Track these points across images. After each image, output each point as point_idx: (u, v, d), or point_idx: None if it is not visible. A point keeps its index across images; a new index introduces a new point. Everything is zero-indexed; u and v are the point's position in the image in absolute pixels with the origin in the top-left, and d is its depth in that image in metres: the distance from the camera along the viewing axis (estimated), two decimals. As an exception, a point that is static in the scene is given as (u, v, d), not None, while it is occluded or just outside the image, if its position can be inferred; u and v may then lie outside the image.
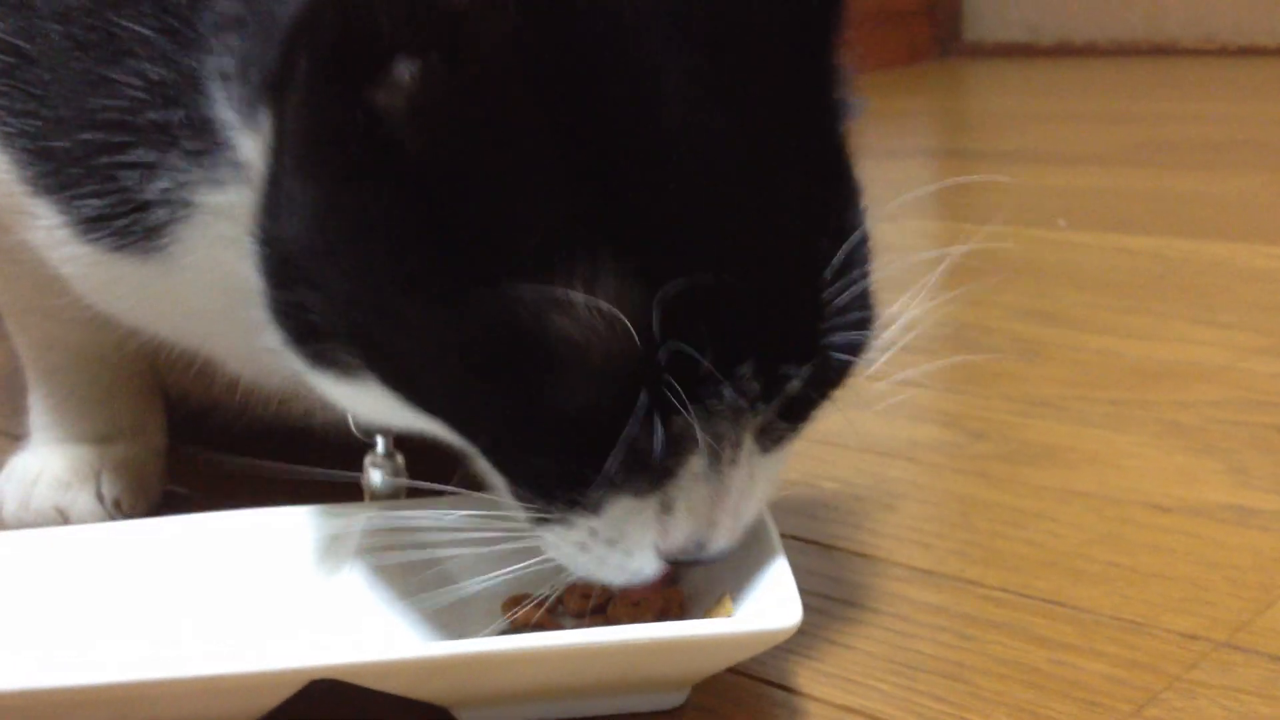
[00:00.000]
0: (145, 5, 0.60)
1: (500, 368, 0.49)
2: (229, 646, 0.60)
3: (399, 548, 0.63)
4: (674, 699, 0.56)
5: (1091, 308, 1.15)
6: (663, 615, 0.59)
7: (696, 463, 0.51)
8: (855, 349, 0.53)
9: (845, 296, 0.51)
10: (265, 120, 0.55)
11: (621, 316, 0.47)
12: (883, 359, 0.58)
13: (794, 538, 0.72)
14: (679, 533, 0.52)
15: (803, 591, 0.65)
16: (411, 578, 0.62)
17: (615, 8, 0.48)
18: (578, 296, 0.47)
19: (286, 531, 0.66)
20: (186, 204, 0.61)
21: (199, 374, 0.77)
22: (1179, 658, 0.59)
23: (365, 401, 0.55)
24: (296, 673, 0.52)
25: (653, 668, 0.54)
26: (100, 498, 0.78)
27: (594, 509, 0.51)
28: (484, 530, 0.56)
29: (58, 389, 0.81)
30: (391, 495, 0.69)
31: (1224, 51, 3.11)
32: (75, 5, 0.62)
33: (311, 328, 0.54)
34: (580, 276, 0.47)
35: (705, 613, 0.58)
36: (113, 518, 0.78)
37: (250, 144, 0.57)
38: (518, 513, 0.54)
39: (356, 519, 0.65)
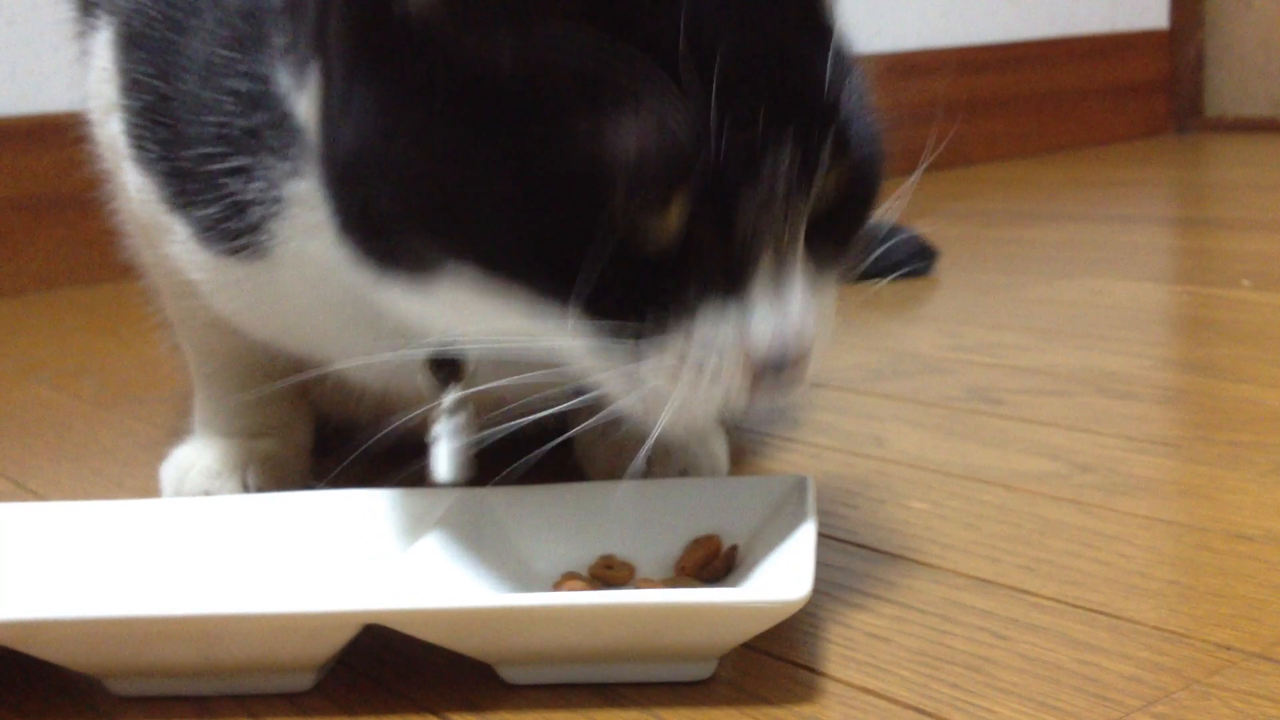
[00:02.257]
0: (226, 31, 0.70)
1: (572, 199, 0.55)
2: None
3: (475, 525, 0.68)
4: (701, 671, 0.60)
5: (1243, 359, 1.13)
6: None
7: (766, 264, 0.57)
8: (867, 141, 0.61)
9: (846, 87, 0.58)
10: (314, 70, 0.64)
11: (672, 105, 0.54)
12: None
13: (865, 546, 0.75)
14: (763, 333, 0.58)
15: (852, 590, 0.68)
16: (481, 552, 0.67)
17: None
18: (627, 95, 0.54)
19: (371, 510, 0.72)
20: (277, 199, 0.70)
21: (333, 389, 0.85)
22: (1206, 665, 0.60)
23: (437, 307, 0.61)
24: (351, 615, 0.58)
25: (667, 632, 0.58)
26: (245, 486, 0.86)
27: (683, 330, 0.57)
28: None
29: (215, 390, 0.90)
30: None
31: None
32: (193, 46, 0.72)
33: (384, 228, 0.60)
34: (625, 81, 0.54)
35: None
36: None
37: (305, 101, 0.65)
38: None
39: (439, 502, 0.71)
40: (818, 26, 0.60)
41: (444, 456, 0.70)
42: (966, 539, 0.76)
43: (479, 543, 0.67)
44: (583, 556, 0.69)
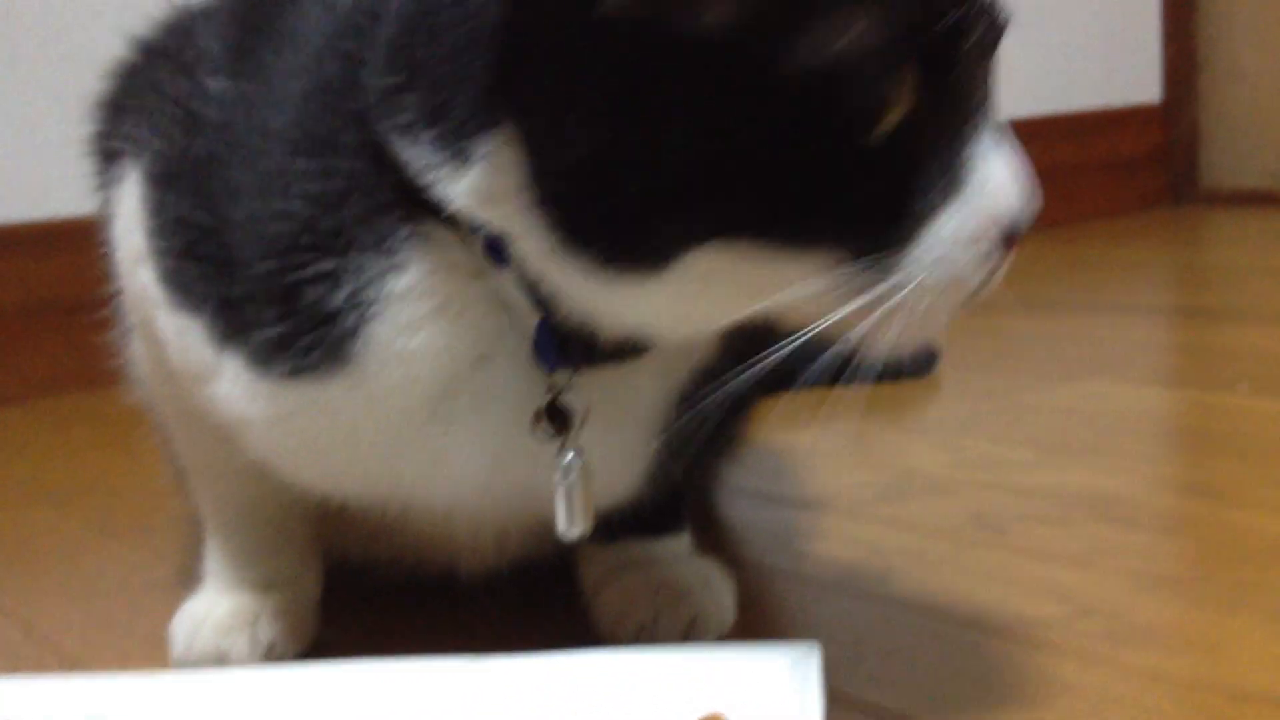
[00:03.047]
0: (289, 145, 0.71)
1: (816, 129, 0.61)
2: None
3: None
4: None
5: (1246, 480, 1.14)
6: None
7: (986, 127, 0.65)
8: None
9: None
10: (495, 139, 0.65)
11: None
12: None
13: (876, 706, 0.76)
14: (1012, 193, 0.66)
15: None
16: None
17: None
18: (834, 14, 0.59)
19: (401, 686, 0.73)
20: (372, 301, 0.69)
21: (369, 534, 0.86)
22: None
23: (668, 298, 0.65)
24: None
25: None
26: (256, 641, 0.87)
27: (950, 203, 0.64)
28: None
29: (228, 541, 0.90)
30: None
31: None
32: (245, 181, 0.72)
33: (630, 220, 0.63)
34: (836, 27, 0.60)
35: None
36: (266, 660, 0.86)
37: (469, 179, 0.66)
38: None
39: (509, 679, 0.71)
40: None
41: (566, 510, 0.73)
42: (973, 699, 0.77)
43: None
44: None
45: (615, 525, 0.83)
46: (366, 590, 0.93)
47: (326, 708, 0.72)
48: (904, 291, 0.64)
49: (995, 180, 0.65)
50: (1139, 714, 0.74)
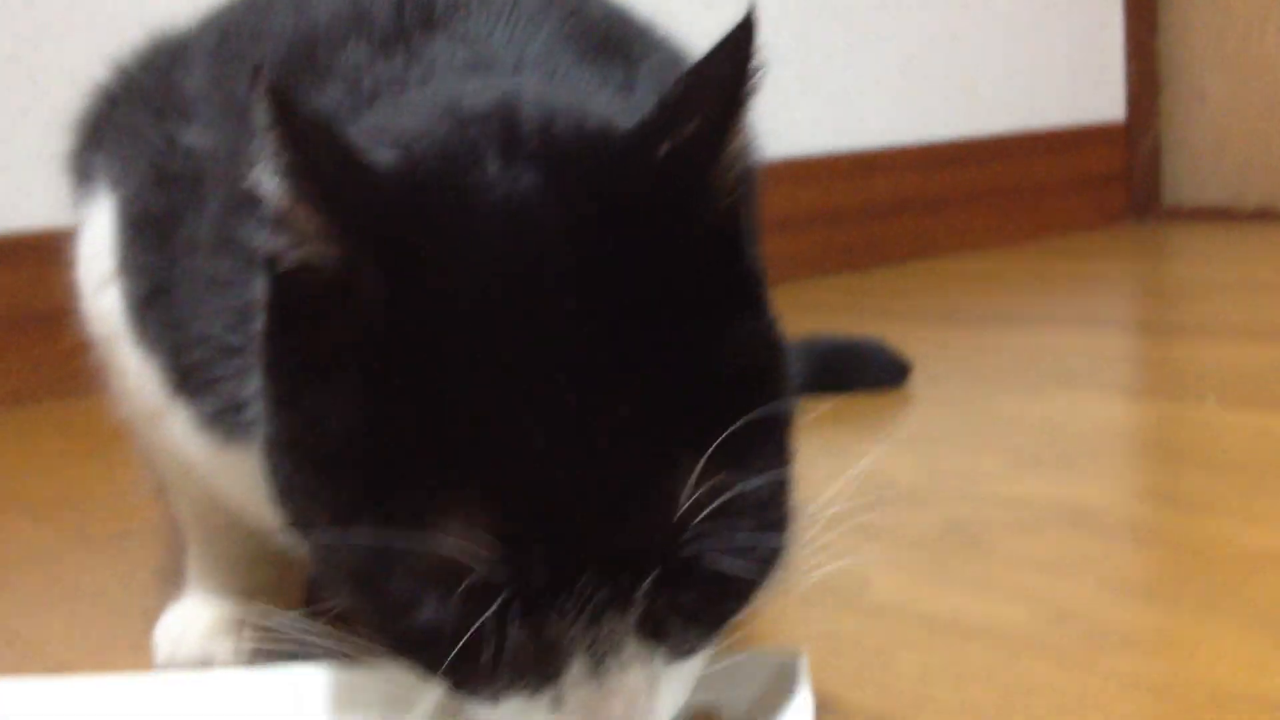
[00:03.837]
0: (231, 245, 0.72)
1: (378, 586, 0.56)
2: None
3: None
4: None
5: (1216, 490, 1.16)
6: None
7: (577, 666, 0.56)
8: (735, 560, 0.57)
9: (718, 509, 0.55)
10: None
11: (468, 543, 0.53)
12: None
13: (860, 711, 0.77)
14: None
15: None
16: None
17: (472, 264, 0.56)
18: (426, 531, 0.54)
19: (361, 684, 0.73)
20: None
21: None
22: None
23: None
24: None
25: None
26: (240, 648, 0.87)
27: (492, 700, 0.57)
28: None
29: (208, 551, 0.91)
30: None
31: None
32: (195, 245, 0.75)
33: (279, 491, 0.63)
34: (433, 507, 0.54)
35: None
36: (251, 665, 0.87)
37: None
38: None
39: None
40: (672, 462, 0.55)
41: None
42: (955, 703, 0.78)
43: None
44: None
45: None
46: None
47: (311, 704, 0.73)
48: None
49: (580, 706, 0.57)
50: (1120, 717, 0.75)
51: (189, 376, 0.76)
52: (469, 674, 0.57)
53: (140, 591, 1.08)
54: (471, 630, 0.54)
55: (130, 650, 0.94)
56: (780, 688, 0.69)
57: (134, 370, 0.81)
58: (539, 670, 0.57)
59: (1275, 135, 3.29)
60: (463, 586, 0.54)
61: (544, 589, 0.54)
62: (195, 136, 0.77)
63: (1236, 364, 1.71)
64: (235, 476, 0.77)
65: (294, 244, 0.57)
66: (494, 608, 0.54)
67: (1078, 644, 0.85)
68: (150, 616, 0.97)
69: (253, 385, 0.71)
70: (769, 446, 0.59)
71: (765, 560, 0.59)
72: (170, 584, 1.05)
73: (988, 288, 2.47)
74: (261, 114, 0.54)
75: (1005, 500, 1.16)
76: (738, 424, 0.56)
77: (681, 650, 0.59)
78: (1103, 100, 3.25)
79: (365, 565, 0.56)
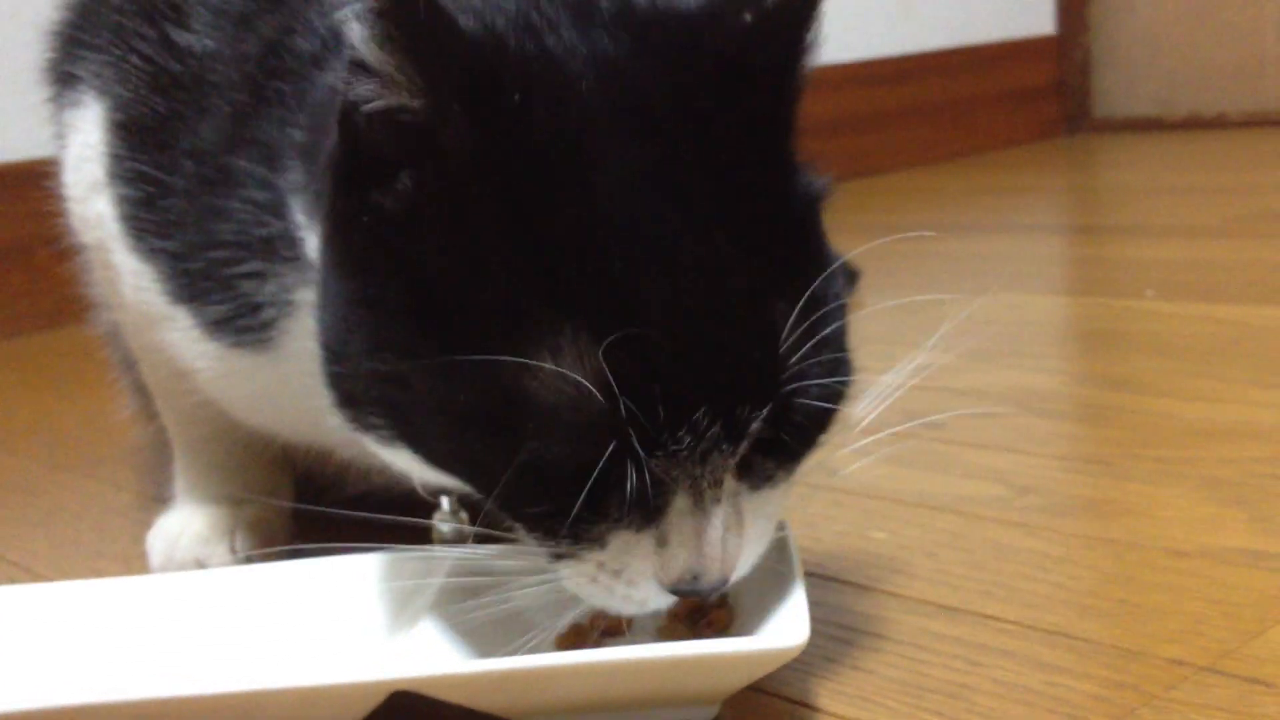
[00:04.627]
0: (250, 146, 0.73)
1: (491, 427, 0.58)
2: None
3: (468, 589, 0.73)
4: (704, 714, 0.65)
5: (1160, 373, 1.20)
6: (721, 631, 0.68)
7: (680, 501, 0.59)
8: (828, 398, 0.61)
9: (805, 348, 0.59)
10: (319, 222, 0.67)
11: (582, 380, 0.56)
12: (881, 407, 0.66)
13: (836, 579, 0.80)
14: (674, 565, 0.60)
15: (833, 625, 0.73)
16: (480, 616, 0.71)
17: (563, 113, 0.58)
18: (545, 365, 0.56)
19: (365, 575, 0.76)
20: (288, 302, 0.74)
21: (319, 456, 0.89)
22: (1162, 680, 0.65)
23: (402, 460, 0.65)
24: (380, 684, 0.62)
25: (676, 682, 0.62)
26: (234, 551, 0.90)
27: (599, 543, 0.60)
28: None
29: (198, 459, 0.93)
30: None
31: (1356, 119, 3.10)
32: (204, 147, 0.75)
33: (352, 399, 0.64)
34: (546, 346, 0.56)
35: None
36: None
37: (313, 241, 0.69)
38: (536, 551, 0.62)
39: (431, 564, 0.75)
40: (790, 307, 0.59)
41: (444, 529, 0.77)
42: (928, 568, 0.82)
43: (475, 603, 0.72)
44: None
45: None
46: (336, 502, 0.96)
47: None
48: (553, 582, 0.63)
49: (682, 542, 0.60)
50: (1084, 572, 0.79)
51: (196, 281, 0.76)
52: (579, 514, 0.59)
53: (121, 512, 1.10)
54: (600, 465, 0.56)
55: (117, 562, 0.97)
56: (770, 554, 0.72)
57: (130, 277, 0.81)
58: (647, 507, 0.59)
59: (1203, 45, 3.35)
60: (585, 422, 0.56)
61: (662, 425, 0.57)
62: (193, 39, 0.78)
63: (1171, 260, 1.75)
64: (241, 380, 0.78)
65: (378, 92, 0.59)
66: (614, 444, 0.56)
67: (1040, 513, 0.89)
68: (135, 534, 0.99)
69: (272, 285, 0.73)
70: (835, 293, 0.63)
71: (841, 395, 0.63)
72: (151, 504, 1.07)
73: (927, 201, 2.51)
74: None
75: (961, 391, 1.19)
76: (823, 274, 0.61)
77: (765, 482, 0.63)
78: (1034, 14, 3.28)
79: (479, 407, 0.58)
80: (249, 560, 0.89)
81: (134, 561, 0.96)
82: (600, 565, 0.61)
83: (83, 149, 0.84)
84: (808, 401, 0.60)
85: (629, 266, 0.57)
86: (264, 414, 0.83)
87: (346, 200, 0.62)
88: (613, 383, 0.56)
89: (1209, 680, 0.65)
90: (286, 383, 0.77)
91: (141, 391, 1.00)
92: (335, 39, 0.73)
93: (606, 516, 0.59)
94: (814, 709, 0.66)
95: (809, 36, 0.63)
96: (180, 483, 0.94)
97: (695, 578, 0.60)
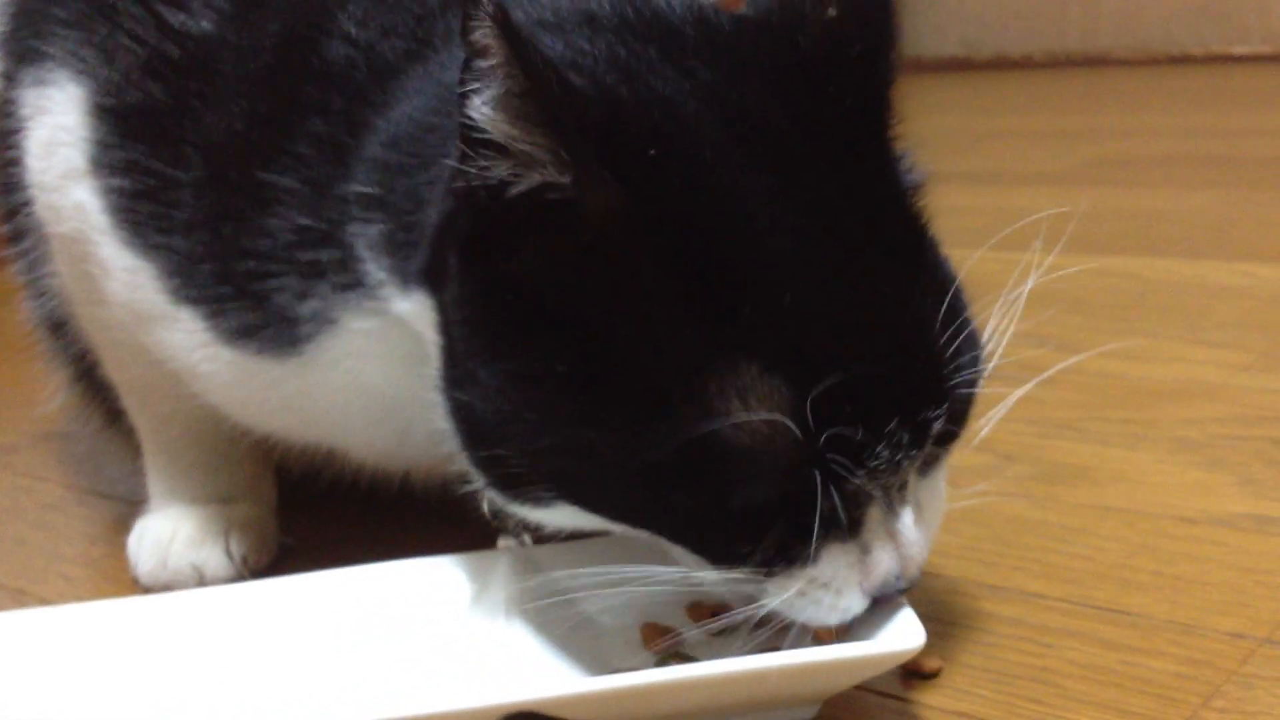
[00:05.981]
0: (287, 160, 0.69)
1: (688, 480, 0.57)
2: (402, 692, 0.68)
3: (534, 585, 0.72)
4: (808, 713, 0.65)
5: (1085, 330, 1.25)
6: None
7: (876, 512, 0.60)
8: (974, 382, 0.63)
9: (957, 340, 0.60)
10: (423, 298, 0.65)
11: (784, 419, 0.55)
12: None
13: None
14: (879, 569, 0.61)
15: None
16: (547, 613, 0.70)
17: (694, 155, 0.57)
18: (740, 412, 0.55)
19: (422, 581, 0.74)
20: (333, 321, 0.70)
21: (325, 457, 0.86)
22: (1230, 654, 0.68)
23: (560, 519, 0.64)
24: (498, 708, 0.60)
25: (798, 687, 0.62)
26: (229, 554, 0.86)
27: (812, 560, 0.60)
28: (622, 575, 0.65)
29: (179, 458, 0.88)
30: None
31: (1155, 61, 3.25)
32: (219, 144, 0.71)
33: (510, 475, 0.62)
34: (735, 392, 0.56)
35: None
36: (241, 573, 0.85)
37: (406, 306, 0.67)
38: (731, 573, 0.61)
39: (496, 565, 0.73)
40: (938, 290, 0.61)
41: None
42: (951, 543, 0.83)
43: (543, 605, 0.70)
44: (642, 605, 0.72)
45: None
46: (321, 496, 0.92)
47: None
48: (751, 611, 0.62)
49: (881, 545, 0.61)
50: (1105, 543, 0.82)
51: (210, 284, 0.72)
52: (786, 543, 0.59)
53: (56, 506, 1.05)
54: (817, 493, 0.56)
55: (86, 566, 0.92)
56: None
57: (122, 274, 0.76)
58: (848, 522, 0.59)
59: (1009, -14, 3.46)
60: (786, 459, 0.56)
61: (861, 445, 0.56)
62: (188, 19, 0.73)
63: (1036, 209, 1.81)
64: (258, 387, 0.75)
65: (518, 172, 0.56)
66: (818, 475, 0.56)
67: (1035, 482, 0.91)
68: (87, 532, 0.95)
69: (315, 303, 0.70)
70: (953, 272, 0.65)
71: (980, 376, 0.64)
72: (86, 496, 1.02)
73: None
74: (485, 39, 0.54)
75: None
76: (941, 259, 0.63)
77: (932, 467, 0.64)
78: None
79: (674, 463, 0.57)
80: (245, 563, 0.86)
81: (103, 564, 0.92)
82: (811, 580, 0.61)
83: (55, 132, 0.78)
84: (967, 390, 0.62)
85: (800, 295, 0.57)
86: (278, 419, 0.79)
87: (475, 276, 0.60)
88: (809, 417, 0.55)
89: (1274, 653, 0.68)
90: (313, 392, 0.74)
91: (93, 386, 0.94)
92: (379, 63, 0.70)
93: (809, 538, 0.59)
94: (910, 702, 0.67)
95: (895, 18, 0.63)
96: (158, 485, 0.89)
97: (898, 576, 0.61)
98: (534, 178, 0.56)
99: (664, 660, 0.67)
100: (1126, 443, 0.97)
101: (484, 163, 0.57)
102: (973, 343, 0.63)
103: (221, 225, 0.71)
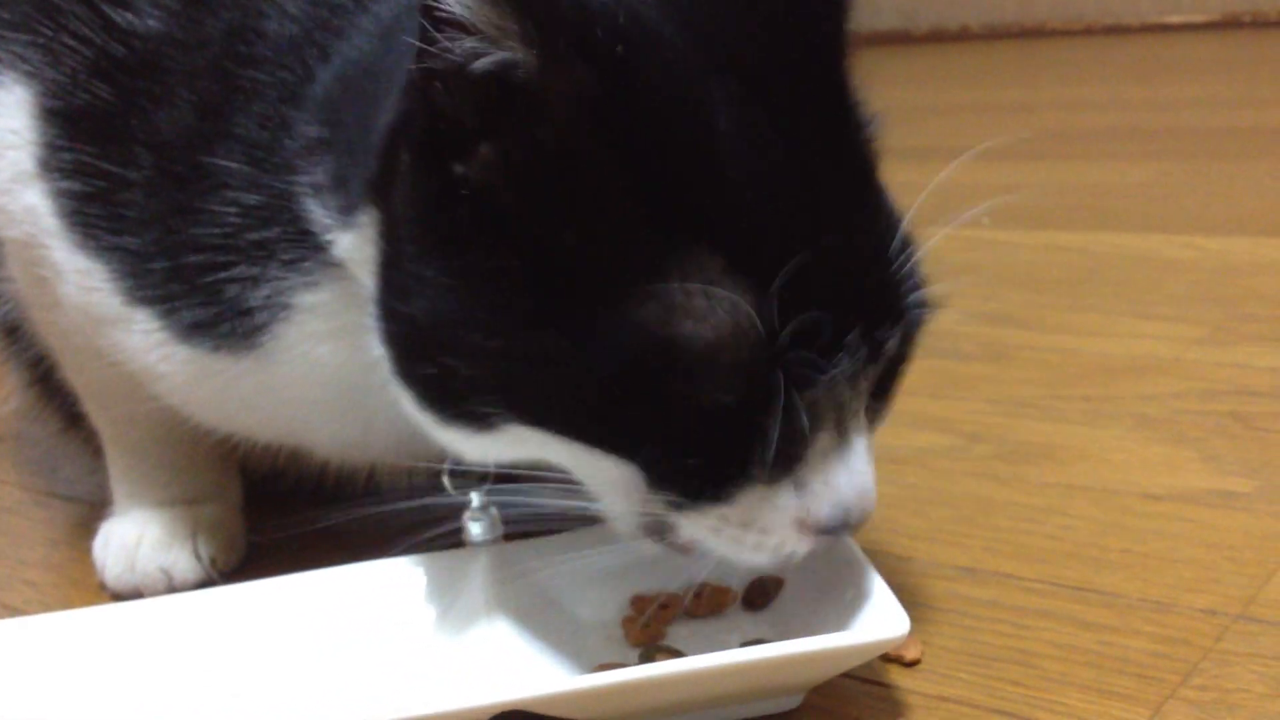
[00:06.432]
0: (230, 142, 0.68)
1: (640, 381, 0.56)
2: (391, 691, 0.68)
3: (512, 582, 0.72)
4: (793, 702, 0.65)
5: (1038, 307, 1.26)
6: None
7: (823, 440, 0.59)
8: (924, 309, 0.62)
9: (908, 265, 0.60)
10: (369, 218, 0.64)
11: (743, 304, 0.55)
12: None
13: (845, 548, 0.82)
14: (823, 506, 0.59)
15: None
16: (527, 610, 0.70)
17: (660, 55, 0.57)
18: (696, 292, 0.55)
19: (398, 581, 0.73)
20: (285, 306, 0.70)
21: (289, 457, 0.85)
22: (1205, 632, 0.69)
23: (496, 447, 0.63)
24: (489, 708, 0.60)
25: (783, 678, 0.63)
26: (198, 556, 0.85)
27: (726, 499, 0.59)
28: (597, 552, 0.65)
29: (142, 460, 0.87)
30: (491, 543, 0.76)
31: (1090, 31, 3.27)
32: (165, 140, 0.70)
33: (450, 391, 0.61)
34: (700, 288, 0.55)
35: None
36: (209, 574, 0.85)
37: (348, 240, 0.66)
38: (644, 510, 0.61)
39: (473, 563, 0.73)
40: (890, 218, 0.61)
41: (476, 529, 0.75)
42: (922, 527, 0.84)
43: (522, 602, 0.70)
44: (620, 598, 0.72)
45: None
46: (286, 494, 0.92)
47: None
48: (688, 539, 0.62)
49: (827, 480, 0.60)
50: (1074, 522, 0.83)
51: (163, 282, 0.71)
52: (730, 463, 0.58)
53: (13, 509, 1.03)
54: (780, 395, 0.55)
55: (51, 571, 0.91)
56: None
57: (75, 276, 0.75)
58: (792, 450, 0.58)
59: (944, -41, 3.47)
60: (746, 357, 0.55)
61: (823, 349, 0.56)
62: (134, 18, 0.72)
63: (983, 185, 1.82)
64: (218, 385, 0.74)
65: (482, 49, 0.55)
66: (774, 377, 0.55)
67: (1000, 461, 0.92)
68: (47, 536, 0.94)
69: (266, 289, 0.69)
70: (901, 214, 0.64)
71: (926, 307, 0.62)
72: (44, 498, 1.01)
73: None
74: None
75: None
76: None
77: (875, 419, 0.63)
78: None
79: (629, 363, 0.56)
80: (214, 565, 0.85)
81: (67, 568, 0.91)
82: (723, 518, 0.60)
83: (3, 135, 0.77)
84: (918, 312, 0.61)
85: (763, 195, 0.57)
86: (240, 418, 0.78)
87: (429, 176, 0.59)
88: (775, 309, 0.55)
89: (1248, 629, 0.69)
90: (273, 386, 0.73)
91: (51, 390, 0.93)
92: (321, 27, 0.69)
93: (750, 463, 0.58)
94: (892, 687, 0.67)
95: None
96: (122, 487, 0.88)
97: (846, 512, 0.60)
98: (499, 54, 0.55)
99: (648, 654, 0.68)
100: (1088, 420, 0.98)
101: (446, 42, 0.55)
102: (921, 275, 0.63)
103: (171, 220, 0.70)
